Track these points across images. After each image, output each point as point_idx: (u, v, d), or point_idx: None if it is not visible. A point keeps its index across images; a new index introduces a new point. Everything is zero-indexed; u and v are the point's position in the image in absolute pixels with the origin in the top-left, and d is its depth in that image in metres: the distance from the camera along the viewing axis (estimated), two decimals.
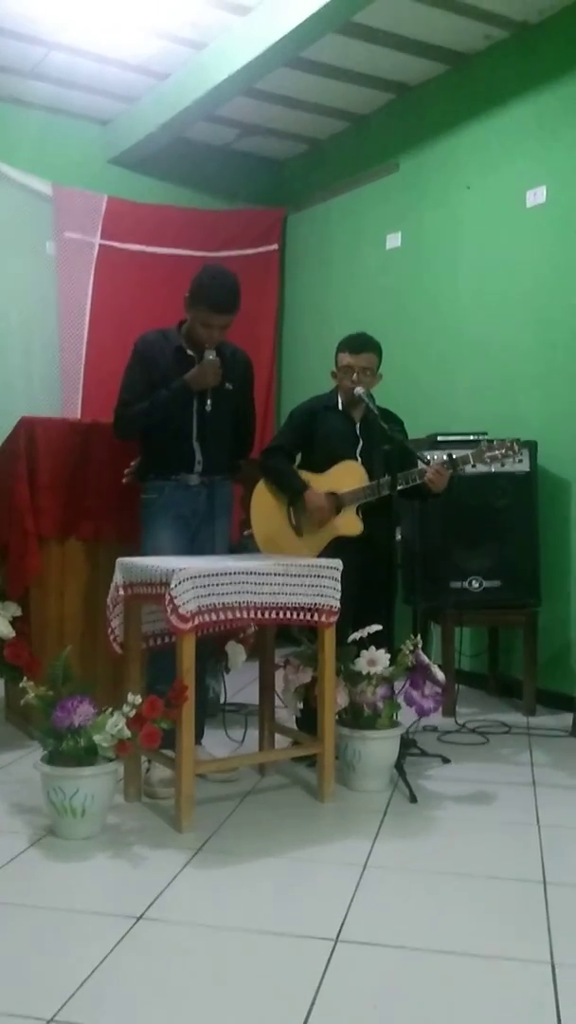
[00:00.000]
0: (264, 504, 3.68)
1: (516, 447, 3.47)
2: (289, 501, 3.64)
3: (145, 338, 3.48)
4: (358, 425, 3.66)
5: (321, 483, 3.58)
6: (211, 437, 3.44)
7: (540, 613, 4.37)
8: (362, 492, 3.54)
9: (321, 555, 3.46)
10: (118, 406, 3.46)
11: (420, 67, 5.18)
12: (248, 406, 3.65)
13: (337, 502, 3.56)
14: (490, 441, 3.57)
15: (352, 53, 5.01)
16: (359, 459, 3.61)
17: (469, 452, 3.49)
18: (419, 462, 3.49)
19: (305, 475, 3.63)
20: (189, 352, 3.41)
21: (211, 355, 3.34)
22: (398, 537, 3.65)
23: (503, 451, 3.46)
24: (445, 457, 3.50)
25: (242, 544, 4.13)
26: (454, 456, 3.49)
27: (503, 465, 3.57)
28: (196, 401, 3.40)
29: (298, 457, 3.76)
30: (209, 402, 3.39)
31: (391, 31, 4.79)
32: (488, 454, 3.46)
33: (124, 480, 3.64)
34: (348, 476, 3.57)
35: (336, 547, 3.51)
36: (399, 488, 3.43)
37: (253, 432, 3.70)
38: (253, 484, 3.75)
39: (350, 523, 3.56)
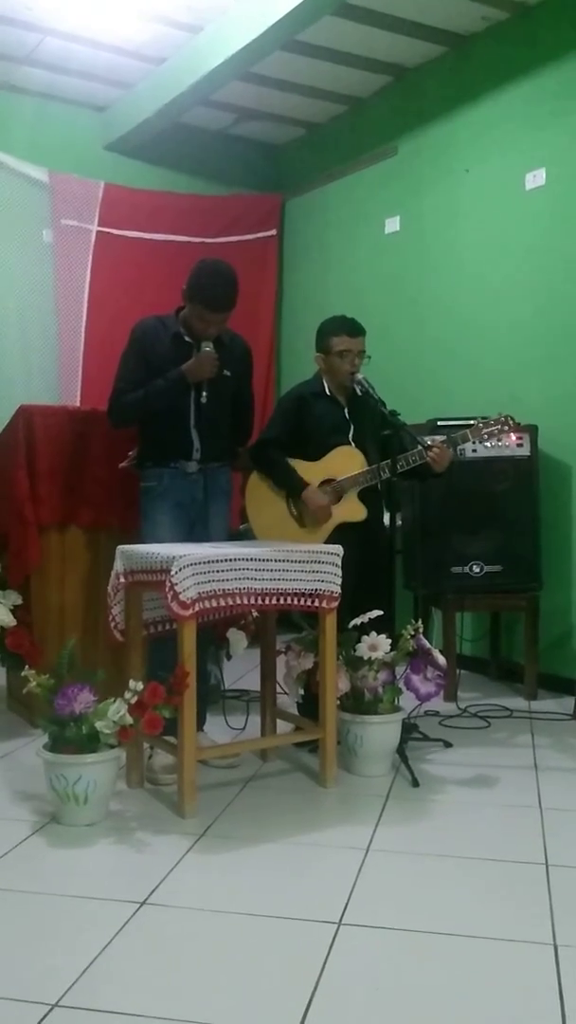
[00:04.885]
0: (260, 495, 3.63)
1: (512, 421, 3.53)
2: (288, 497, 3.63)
3: (143, 324, 3.46)
4: (346, 410, 3.65)
5: (319, 471, 3.56)
6: (209, 425, 3.43)
7: (541, 597, 4.37)
8: (362, 477, 3.53)
9: (325, 542, 3.45)
10: (113, 394, 3.45)
11: (418, 49, 5.14)
12: (247, 393, 3.64)
13: (338, 488, 3.55)
14: (485, 419, 3.59)
15: (349, 35, 4.97)
16: (352, 444, 3.60)
17: (467, 430, 3.54)
18: (419, 443, 3.50)
19: (301, 464, 3.57)
20: (187, 339, 3.40)
21: (207, 347, 3.33)
22: (398, 523, 3.65)
23: (498, 426, 3.51)
24: (444, 437, 3.54)
25: (240, 535, 4.12)
26: (453, 435, 3.54)
27: (500, 440, 3.62)
28: (193, 390, 3.38)
29: None
30: (205, 393, 3.37)
31: (388, 12, 4.75)
32: (485, 431, 3.52)
33: (121, 466, 3.64)
34: (346, 462, 3.56)
35: (337, 533, 3.50)
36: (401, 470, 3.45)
37: (252, 419, 3.68)
38: (250, 473, 3.74)
39: (353, 509, 3.55)
